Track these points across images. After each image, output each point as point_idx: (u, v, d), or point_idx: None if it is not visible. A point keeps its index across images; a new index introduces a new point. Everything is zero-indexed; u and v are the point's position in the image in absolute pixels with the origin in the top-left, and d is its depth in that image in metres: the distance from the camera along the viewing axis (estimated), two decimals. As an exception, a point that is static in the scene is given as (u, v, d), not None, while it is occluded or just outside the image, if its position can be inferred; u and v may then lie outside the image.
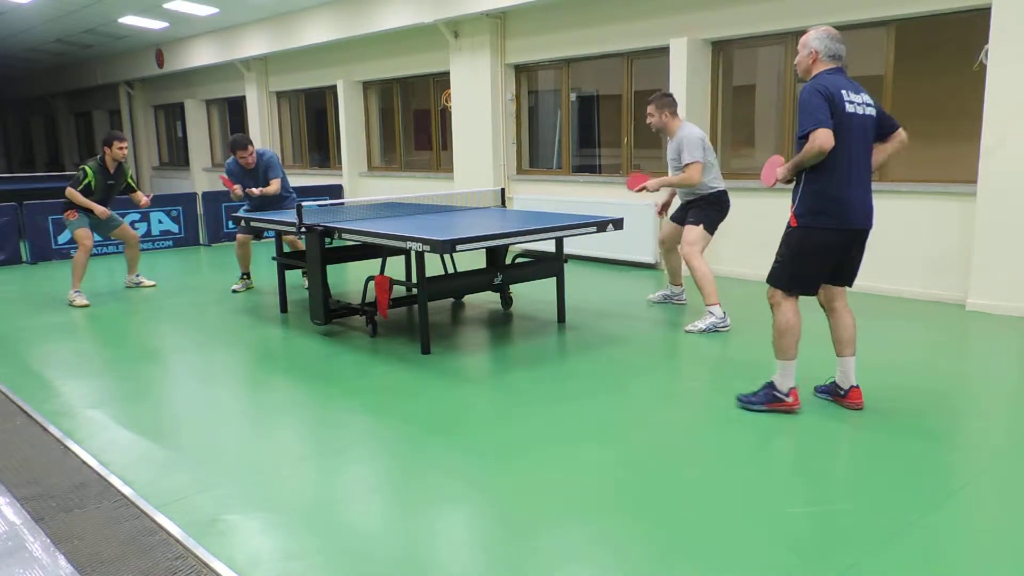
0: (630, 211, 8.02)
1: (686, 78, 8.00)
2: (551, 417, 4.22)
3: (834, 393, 4.26)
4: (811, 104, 3.77)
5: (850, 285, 4.15)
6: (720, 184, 6.00)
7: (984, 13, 6.16)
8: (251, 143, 7.60)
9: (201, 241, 11.66)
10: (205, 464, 3.71)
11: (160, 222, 11.15)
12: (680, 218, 6.25)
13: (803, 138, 3.78)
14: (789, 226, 3.99)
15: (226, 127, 16.69)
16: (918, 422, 4.02)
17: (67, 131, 22.51)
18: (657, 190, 6.07)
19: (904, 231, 6.84)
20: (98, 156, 7.58)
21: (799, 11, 7.28)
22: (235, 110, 16.11)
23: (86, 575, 2.72)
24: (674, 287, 6.73)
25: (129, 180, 7.85)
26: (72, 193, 7.38)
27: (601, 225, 5.77)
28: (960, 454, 3.74)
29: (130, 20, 13.80)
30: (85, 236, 7.48)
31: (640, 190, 6.07)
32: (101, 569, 2.75)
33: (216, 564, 2.76)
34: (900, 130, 4.08)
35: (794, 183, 3.98)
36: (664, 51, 8.28)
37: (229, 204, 11.67)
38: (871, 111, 3.95)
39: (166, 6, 12.63)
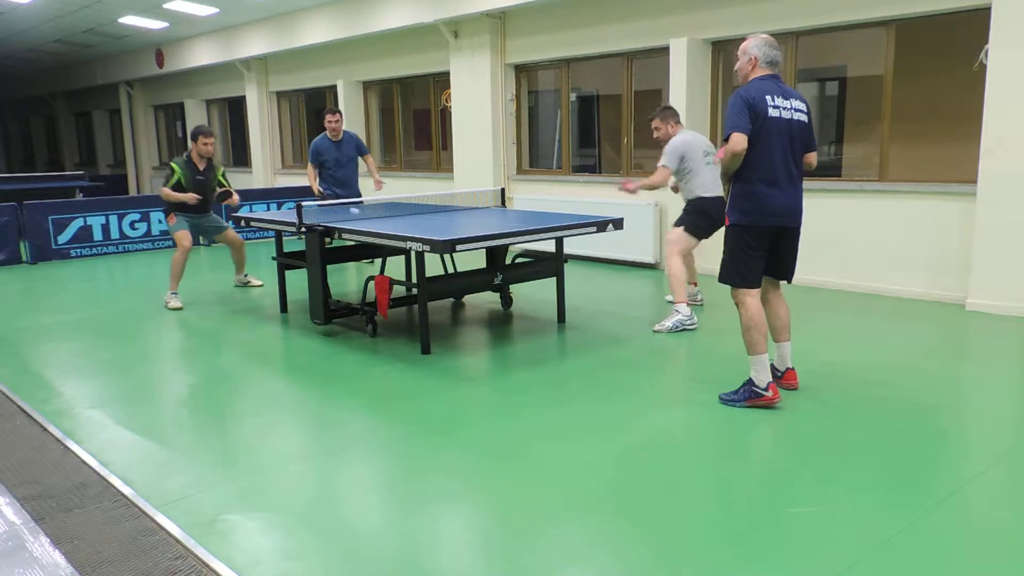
0: (630, 211, 8.03)
1: (686, 78, 8.00)
2: (551, 417, 4.22)
3: (772, 376, 4.41)
4: (732, 109, 3.99)
5: (788, 281, 4.37)
6: (704, 192, 5.95)
7: (984, 13, 6.16)
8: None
9: (201, 241, 11.62)
10: (205, 464, 3.71)
11: (160, 222, 11.11)
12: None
13: (727, 140, 3.99)
14: (726, 226, 4.22)
15: (226, 127, 16.69)
16: (918, 422, 4.02)
17: (67, 131, 22.52)
18: (636, 191, 5.96)
19: (904, 231, 6.84)
20: (185, 154, 7.47)
21: (799, 11, 7.28)
22: (235, 110, 16.11)
23: (86, 575, 2.72)
24: (690, 286, 6.72)
25: (221, 178, 7.64)
26: (165, 191, 7.29)
27: (601, 225, 5.78)
28: (960, 454, 3.75)
29: (130, 20, 13.80)
30: (183, 237, 7.36)
31: (635, 191, 6.01)
32: (101, 569, 2.75)
33: (216, 564, 2.76)
34: (813, 154, 4.23)
35: (729, 185, 4.19)
36: (664, 51, 8.28)
37: (229, 204, 11.63)
38: (801, 116, 4.13)
39: (166, 6, 12.63)
